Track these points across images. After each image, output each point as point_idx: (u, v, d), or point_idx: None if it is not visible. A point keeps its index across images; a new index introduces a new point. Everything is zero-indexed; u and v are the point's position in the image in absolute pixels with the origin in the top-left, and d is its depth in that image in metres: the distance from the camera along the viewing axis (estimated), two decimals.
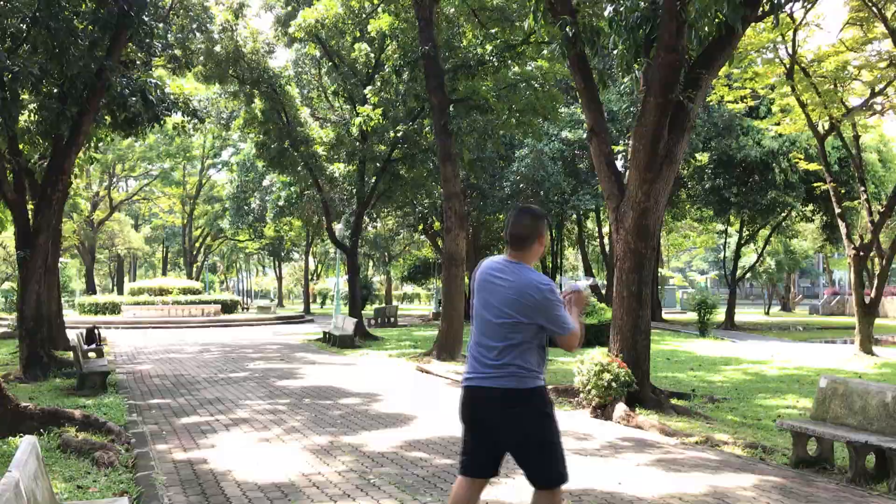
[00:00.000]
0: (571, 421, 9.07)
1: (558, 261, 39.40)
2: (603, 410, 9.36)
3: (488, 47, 18.53)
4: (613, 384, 9.22)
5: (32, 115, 16.38)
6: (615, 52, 10.74)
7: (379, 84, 21.26)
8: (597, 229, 38.50)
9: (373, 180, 24.61)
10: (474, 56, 18.42)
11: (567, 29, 10.42)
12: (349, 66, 23.81)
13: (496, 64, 18.06)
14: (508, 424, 3.80)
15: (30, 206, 16.08)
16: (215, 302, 40.10)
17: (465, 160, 22.33)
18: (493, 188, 29.83)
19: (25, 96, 15.85)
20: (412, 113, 22.14)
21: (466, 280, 26.13)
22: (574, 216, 35.31)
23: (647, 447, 7.69)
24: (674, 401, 10.24)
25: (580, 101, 12.47)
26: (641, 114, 10.02)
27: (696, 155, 28.45)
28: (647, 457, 7.25)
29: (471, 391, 3.94)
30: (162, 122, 19.09)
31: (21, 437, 7.75)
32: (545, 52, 18.12)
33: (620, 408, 9.17)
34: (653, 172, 9.83)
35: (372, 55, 23.23)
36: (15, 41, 14.88)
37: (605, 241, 35.26)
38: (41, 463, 4.55)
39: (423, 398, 11.27)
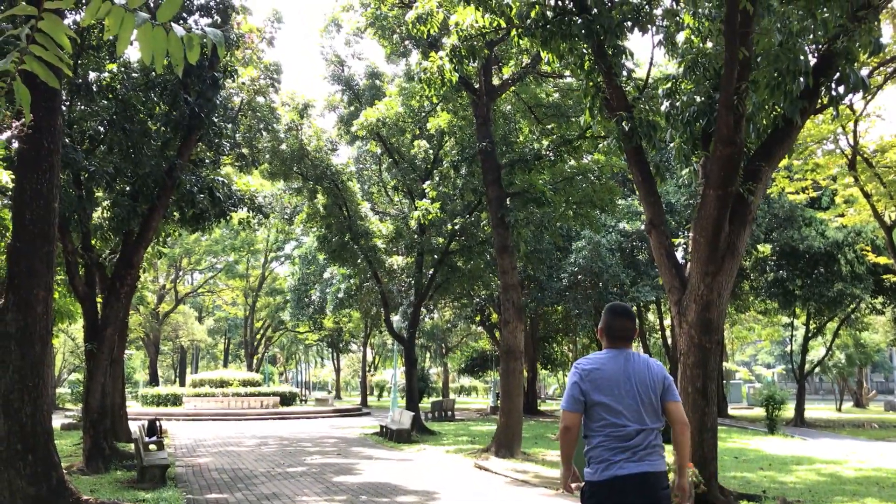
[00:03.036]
0: None
1: None
2: None
3: (544, 142, 18.85)
4: None
5: (105, 211, 17.07)
6: (672, 145, 10.80)
7: (437, 179, 21.70)
8: (658, 322, 37.82)
9: (430, 272, 24.81)
10: (531, 151, 18.73)
11: (623, 124, 10.56)
12: (408, 162, 24.42)
13: (552, 158, 18.30)
14: (665, 502, 4.13)
15: (98, 300, 16.59)
16: (274, 394, 40.26)
17: (522, 252, 22.40)
18: (551, 279, 29.73)
19: (99, 194, 16.61)
20: (469, 206, 22.46)
21: (525, 373, 25.76)
22: (634, 308, 34.84)
23: None
24: (744, 503, 9.78)
25: (638, 193, 12.49)
26: (701, 206, 9.96)
27: (758, 246, 28.01)
28: None
29: (633, 478, 4.09)
30: (228, 218, 19.74)
31: None
32: (601, 145, 18.30)
33: None
34: (715, 265, 9.70)
35: (430, 151, 23.82)
36: (92, 142, 15.72)
37: (667, 333, 34.55)
38: None
39: (481, 498, 11.00)
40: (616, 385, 4.19)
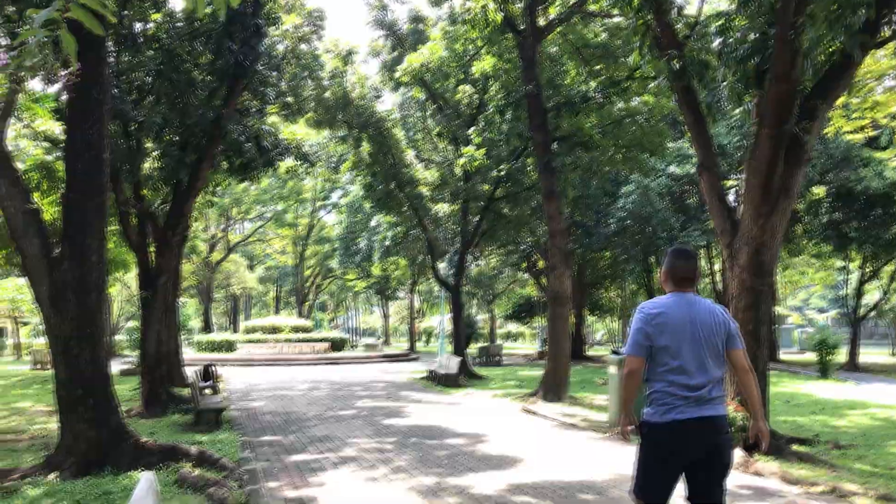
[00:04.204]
0: None
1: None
2: None
3: (592, 84, 18.45)
4: (730, 428, 8.81)
5: (155, 162, 17.31)
6: (724, 84, 10.48)
7: (482, 124, 21.47)
8: (708, 266, 37.29)
9: (476, 219, 24.74)
10: (578, 93, 18.36)
11: (674, 63, 10.25)
12: (453, 108, 24.18)
13: (600, 100, 17.93)
14: (726, 447, 4.24)
15: (151, 249, 16.94)
16: (324, 340, 40.99)
17: (569, 197, 22.16)
18: (598, 225, 29.42)
19: (149, 145, 16.82)
20: (515, 152, 22.21)
21: (572, 319, 25.68)
22: None
23: (767, 496, 7.28)
24: (795, 447, 9.68)
25: (688, 135, 12.19)
26: (754, 147, 9.69)
27: (813, 188, 27.24)
28: None
29: (694, 422, 4.15)
30: (275, 167, 19.90)
31: (141, 471, 8.09)
32: (651, 86, 17.85)
33: (737, 453, 8.74)
34: (768, 206, 9.46)
35: (475, 96, 23.52)
36: (140, 93, 15.86)
37: (717, 278, 34.06)
38: (159, 498, 4.71)
39: (529, 440, 11.09)
40: (680, 329, 4.22)
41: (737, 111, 17.13)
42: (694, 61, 10.42)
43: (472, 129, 21.65)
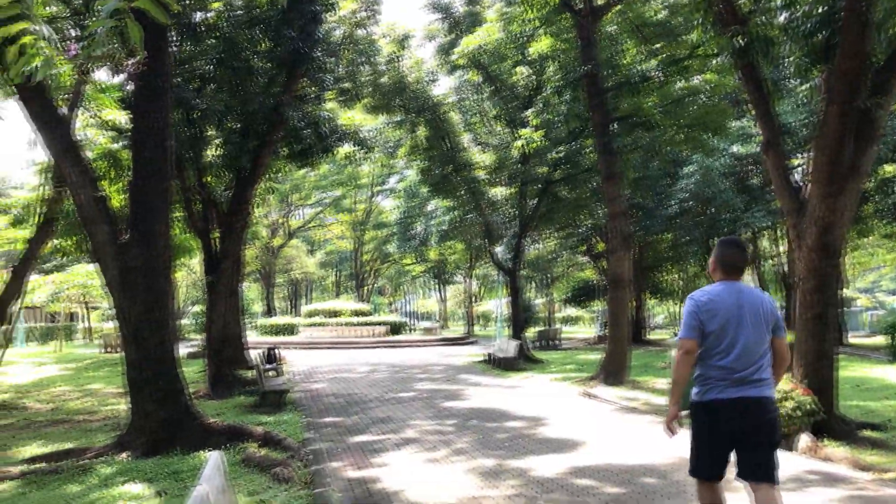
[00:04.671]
0: None
1: None
2: (785, 441, 8.74)
3: (652, 63, 18.08)
4: (797, 412, 8.61)
5: (217, 149, 17.63)
6: (790, 60, 10.16)
7: (540, 106, 21.25)
8: (772, 248, 36.36)
9: (534, 202, 24.57)
10: (637, 73, 18.02)
11: (737, 39, 9.97)
12: (509, 90, 24.00)
13: (661, 79, 17.57)
14: (769, 427, 4.43)
15: (215, 235, 17.29)
16: (383, 323, 41.39)
17: (629, 179, 21.84)
18: (659, 207, 28.93)
19: (211, 132, 17.13)
20: (573, 133, 21.95)
21: (632, 302, 25.37)
22: (747, 234, 33.54)
23: (836, 482, 7.09)
24: (866, 432, 9.40)
25: (752, 113, 11.86)
26: (822, 123, 9.37)
27: (884, 166, 26.26)
28: (837, 492, 6.68)
29: (736, 402, 4.40)
30: (333, 153, 20.08)
31: (209, 451, 8.30)
32: (713, 64, 17.43)
33: (805, 438, 8.54)
34: (836, 185, 9.16)
35: (532, 77, 23.30)
36: (202, 81, 16.14)
37: (783, 259, 33.20)
38: (227, 478, 4.82)
39: (589, 424, 11.02)
40: (729, 316, 4.47)
41: (803, 87, 16.62)
42: (758, 37, 10.11)
43: (530, 110, 21.46)
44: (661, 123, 18.75)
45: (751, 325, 4.47)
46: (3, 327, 16.90)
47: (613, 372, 15.91)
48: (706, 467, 4.54)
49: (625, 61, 19.15)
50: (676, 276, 39.77)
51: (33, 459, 8.70)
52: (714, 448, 4.48)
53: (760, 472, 4.38)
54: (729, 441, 4.45)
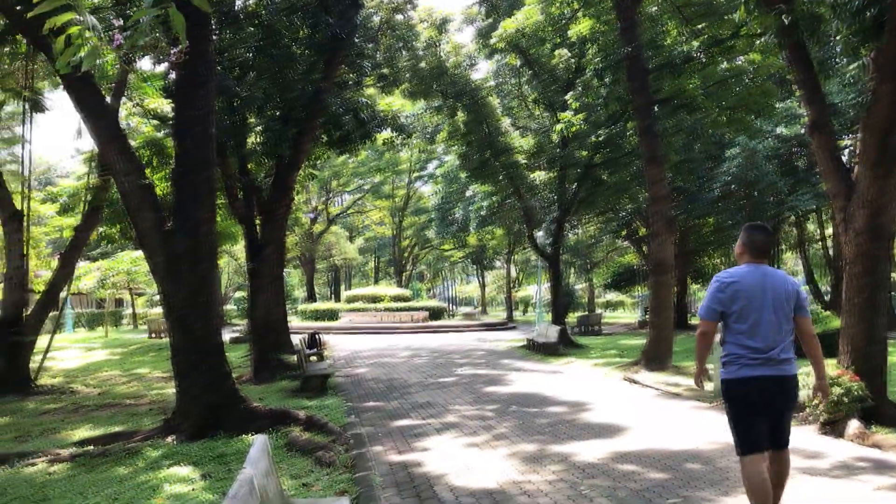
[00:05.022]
0: (797, 437, 8.38)
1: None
2: (833, 427, 8.57)
3: (694, 44, 17.76)
4: (844, 399, 8.42)
5: (258, 137, 17.80)
6: (838, 38, 9.87)
7: (580, 89, 21.03)
8: (818, 231, 35.59)
9: (574, 186, 24.37)
10: (679, 54, 17.71)
11: (783, 18, 9.72)
12: (549, 73, 23.78)
13: (703, 60, 17.25)
14: (791, 401, 4.88)
15: (257, 221, 17.48)
16: (423, 309, 41.57)
17: (672, 162, 21.52)
18: (702, 190, 28.47)
19: (252, 120, 17.29)
20: (614, 116, 21.68)
21: (674, 287, 25.03)
22: (792, 218, 32.88)
23: (887, 469, 6.93)
24: None
25: (799, 94, 11.57)
26: (871, 103, 9.10)
27: None
28: (887, 480, 6.52)
29: (764, 379, 4.74)
30: (373, 139, 20.13)
31: (253, 434, 8.41)
32: (758, 44, 17.02)
33: (854, 424, 8.35)
34: (886, 167, 8.90)
35: (572, 60, 23.05)
36: (242, 69, 16.28)
37: (829, 243, 32.49)
38: (272, 461, 4.87)
39: (632, 409, 10.93)
40: (754, 297, 4.75)
41: (851, 67, 16.20)
42: (805, 15, 9.83)
43: (570, 94, 21.24)
44: (704, 105, 18.41)
45: (775, 306, 4.74)
46: (53, 313, 17.31)
47: (656, 357, 15.75)
48: (752, 440, 4.76)
49: (667, 42, 18.83)
50: (720, 260, 39.21)
51: (83, 442, 8.92)
52: (753, 420, 4.77)
53: (782, 440, 4.86)
54: (763, 411, 4.77)
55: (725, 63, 18.30)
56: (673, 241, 17.71)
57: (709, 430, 8.86)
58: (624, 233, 34.98)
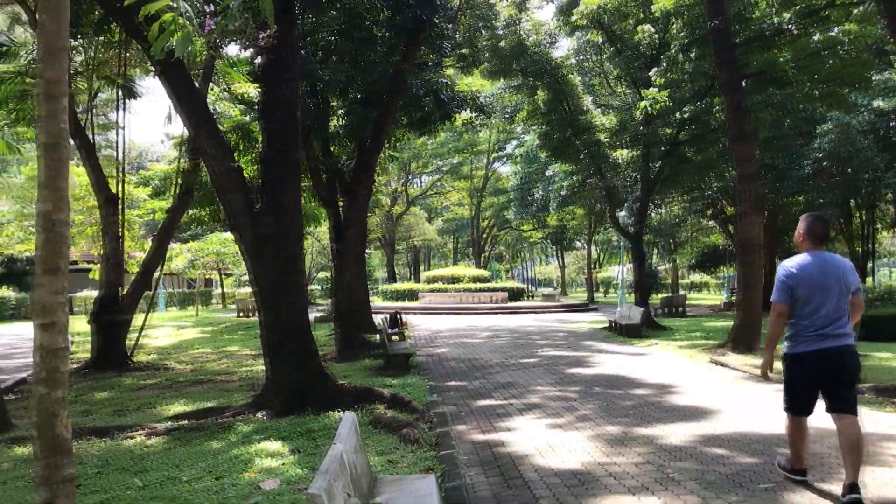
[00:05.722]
0: None
1: (869, 246, 35.31)
2: None
3: (786, 15, 17.07)
4: None
5: (340, 119, 18.02)
6: None
7: (664, 65, 20.52)
8: None
9: (657, 165, 23.86)
10: (770, 26, 17.05)
11: None
12: (632, 49, 23.28)
13: (795, 32, 16.57)
14: (851, 370, 5.38)
15: (340, 203, 17.74)
16: (502, 289, 41.53)
17: (761, 138, 20.80)
18: (792, 168, 27.44)
19: (335, 103, 17.50)
20: (700, 92, 21.08)
21: (764, 268, 24.29)
22: (889, 195, 31.38)
23: None
24: None
25: None
26: None
27: None
28: None
29: (821, 352, 5.34)
30: (452, 119, 20.12)
31: (339, 411, 8.58)
32: (855, 13, 16.26)
33: None
34: None
35: (656, 36, 22.49)
36: (325, 53, 16.48)
37: None
38: (360, 437, 4.96)
39: (719, 392, 10.68)
40: (814, 282, 5.38)
41: None
42: None
43: (654, 70, 20.75)
44: (795, 79, 17.72)
45: (833, 288, 5.35)
46: (147, 293, 18.01)
47: (744, 339, 15.33)
48: (798, 405, 5.57)
49: (755, 14, 18.14)
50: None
51: (177, 417, 9.26)
52: (806, 388, 5.50)
53: (847, 406, 5.30)
54: (815, 384, 5.44)
55: (819, 34, 17.54)
56: (761, 221, 17.15)
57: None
58: (709, 212, 34.11)
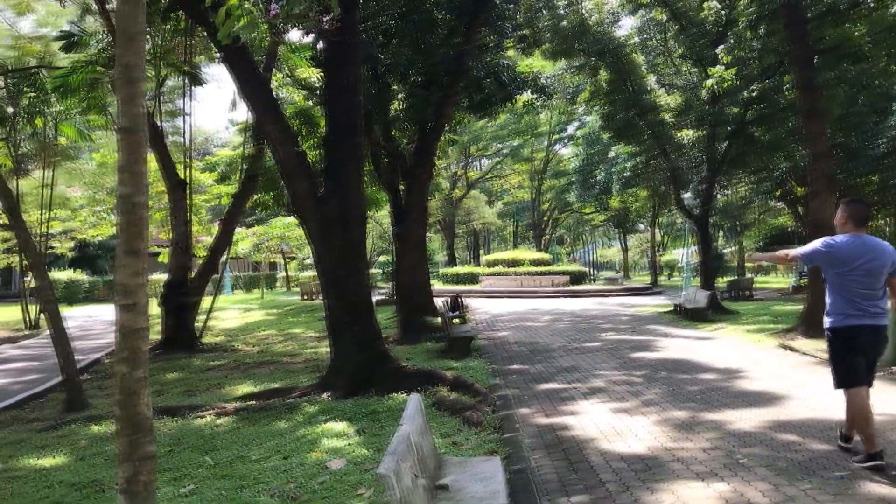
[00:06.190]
0: None
1: None
2: None
3: None
4: None
5: (401, 103, 18.04)
6: None
7: (731, 41, 19.95)
8: None
9: (724, 145, 23.25)
10: None
11: None
12: (697, 27, 22.66)
13: (872, 4, 15.90)
14: (881, 346, 5.94)
15: (401, 187, 17.80)
16: (564, 273, 41.22)
17: (833, 116, 20.09)
18: (865, 146, 26.42)
19: (395, 87, 17.53)
20: (769, 69, 20.42)
21: None
22: None
23: None
24: None
25: None
26: None
27: None
28: None
29: (858, 328, 5.75)
30: (513, 101, 19.97)
31: (402, 393, 8.66)
32: None
33: None
34: None
35: (722, 12, 21.85)
36: (385, 37, 16.50)
37: None
38: (425, 419, 4.99)
39: (789, 377, 10.41)
40: (853, 260, 5.70)
41: None
42: None
43: (720, 47, 20.19)
44: (870, 54, 17.00)
45: (870, 269, 5.69)
46: (214, 276, 18.43)
47: (815, 324, 14.85)
48: (852, 376, 5.78)
49: None
50: (884, 221, 36.51)
51: (245, 397, 9.48)
52: (851, 359, 5.77)
53: (871, 378, 5.84)
54: (858, 353, 5.75)
55: None
56: (833, 202, 16.57)
57: (875, 400, 8.29)
58: (778, 193, 33.13)
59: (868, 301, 5.71)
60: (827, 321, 5.95)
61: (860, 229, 5.84)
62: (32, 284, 16.58)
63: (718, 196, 36.43)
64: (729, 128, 22.66)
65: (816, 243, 5.99)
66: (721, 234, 48.86)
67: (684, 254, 36.60)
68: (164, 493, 5.47)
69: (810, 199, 16.29)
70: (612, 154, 41.10)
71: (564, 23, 22.13)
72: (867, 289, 5.71)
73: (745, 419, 7.56)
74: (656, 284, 45.23)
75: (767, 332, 16.04)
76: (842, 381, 5.85)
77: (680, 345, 14.54)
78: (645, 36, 25.80)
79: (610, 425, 7.42)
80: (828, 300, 5.97)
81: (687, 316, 20.35)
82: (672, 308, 22.70)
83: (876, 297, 5.74)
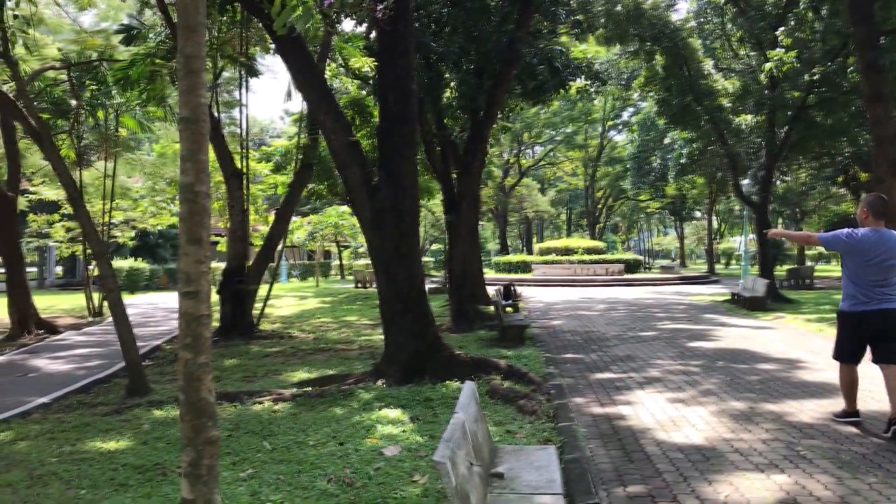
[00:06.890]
0: None
1: None
2: None
3: None
4: None
5: (453, 91, 17.99)
6: None
7: (792, 24, 19.42)
8: None
9: (784, 130, 22.68)
10: None
11: None
12: (756, 9, 22.11)
13: None
14: (891, 328, 6.30)
15: (453, 176, 17.79)
16: (618, 261, 40.79)
17: None
18: None
19: (447, 75, 17.49)
20: (832, 52, 19.84)
21: None
22: None
23: None
24: None
25: None
26: None
27: None
28: None
29: (869, 313, 6.34)
30: (567, 88, 19.75)
31: (455, 381, 8.68)
32: None
33: None
34: None
35: None
36: (438, 25, 16.46)
37: None
38: (479, 407, 4.99)
39: None
40: (870, 251, 6.25)
41: None
42: None
43: (781, 29, 19.68)
44: None
45: (885, 260, 6.22)
46: (271, 264, 18.71)
47: None
48: (847, 355, 6.65)
49: None
50: None
51: (302, 384, 9.61)
52: (855, 341, 6.54)
53: (891, 357, 6.26)
54: (863, 338, 6.45)
55: None
56: None
57: None
58: (840, 179, 32.26)
59: (878, 289, 6.26)
60: (841, 304, 6.60)
61: (879, 223, 6.35)
62: (96, 273, 17.03)
63: (778, 182, 35.61)
64: (789, 112, 22.08)
65: (840, 232, 6.51)
66: (781, 221, 47.75)
67: (742, 241, 35.84)
68: (223, 477, 5.58)
69: (874, 185, 15.78)
70: (667, 140, 40.51)
71: (619, 7, 21.82)
72: (880, 277, 6.27)
73: (805, 410, 7.40)
74: (713, 273, 44.47)
75: (828, 322, 15.63)
76: (839, 355, 6.75)
77: (738, 334, 14.28)
78: (702, 19, 25.30)
79: (667, 415, 7.33)
80: (843, 285, 6.58)
81: (745, 305, 19.97)
82: (730, 297, 22.29)
83: (887, 285, 6.26)
